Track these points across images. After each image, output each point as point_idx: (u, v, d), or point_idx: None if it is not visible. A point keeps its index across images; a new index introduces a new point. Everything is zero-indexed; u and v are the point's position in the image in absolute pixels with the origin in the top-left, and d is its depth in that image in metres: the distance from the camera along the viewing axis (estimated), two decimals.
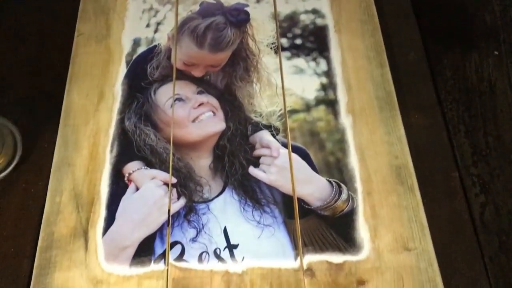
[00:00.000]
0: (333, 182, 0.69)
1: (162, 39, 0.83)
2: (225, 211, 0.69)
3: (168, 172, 0.71)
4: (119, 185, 0.70)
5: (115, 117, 0.76)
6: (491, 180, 0.99)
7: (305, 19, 0.85)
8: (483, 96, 1.15)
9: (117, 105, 0.77)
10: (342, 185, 0.69)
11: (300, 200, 0.68)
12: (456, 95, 1.14)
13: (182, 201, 0.69)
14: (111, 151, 0.73)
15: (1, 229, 0.76)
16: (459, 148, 0.82)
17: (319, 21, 0.85)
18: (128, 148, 0.73)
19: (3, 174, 0.80)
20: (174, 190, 0.70)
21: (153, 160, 0.72)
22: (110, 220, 0.68)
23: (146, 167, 0.71)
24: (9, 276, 0.71)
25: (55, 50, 1.00)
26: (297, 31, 0.84)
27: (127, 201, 0.69)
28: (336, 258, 0.64)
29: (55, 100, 1.00)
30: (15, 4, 1.20)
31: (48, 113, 0.94)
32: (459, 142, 0.90)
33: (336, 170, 0.70)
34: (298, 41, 0.83)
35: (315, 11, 0.86)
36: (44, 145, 0.88)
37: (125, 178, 0.71)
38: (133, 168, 0.71)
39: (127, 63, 0.81)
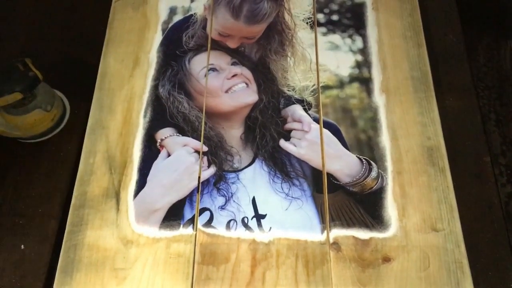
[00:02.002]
0: (363, 160, 0.69)
1: (198, 8, 0.83)
2: (254, 182, 0.69)
3: (200, 140, 0.71)
4: (151, 150, 0.71)
5: (149, 83, 0.77)
6: None
7: None
8: None
9: (151, 72, 0.77)
10: (372, 163, 0.69)
11: (329, 175, 0.69)
12: (489, 83, 1.13)
13: (212, 169, 0.70)
14: (145, 116, 0.74)
15: (30, 190, 0.78)
16: (488, 136, 0.81)
17: None
18: (161, 115, 0.74)
19: (58, 129, 0.85)
20: (205, 158, 0.71)
21: (185, 128, 0.72)
22: (141, 183, 0.69)
23: (178, 134, 0.72)
24: (37, 236, 0.74)
25: (91, 16, 1.01)
26: (334, 7, 0.83)
27: (159, 166, 0.70)
28: (363, 234, 0.65)
29: (87, 66, 1.01)
30: None
31: (79, 79, 0.95)
32: (489, 131, 0.89)
33: (367, 148, 0.70)
34: (335, 17, 0.82)
35: None
36: (75, 111, 0.89)
37: (157, 144, 0.72)
38: (165, 134, 0.72)
39: (163, 31, 0.81)
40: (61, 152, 0.85)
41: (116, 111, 0.74)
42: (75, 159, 0.86)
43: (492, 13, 1.21)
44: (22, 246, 0.73)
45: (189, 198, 0.68)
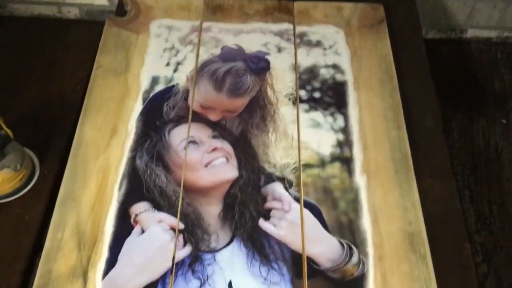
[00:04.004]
0: (345, 244, 0.67)
1: (181, 79, 0.82)
2: (231, 264, 0.66)
3: (176, 217, 0.69)
4: (124, 226, 0.68)
5: (126, 154, 0.74)
6: (493, 250, 0.98)
7: (325, 73, 0.85)
8: (489, 163, 1.15)
9: (129, 142, 0.75)
10: (354, 247, 0.67)
11: (309, 259, 0.66)
12: (463, 159, 1.15)
13: (188, 249, 0.67)
14: (120, 189, 0.71)
15: None
16: (463, 214, 0.81)
17: (338, 77, 0.85)
18: (137, 188, 0.71)
19: (25, 190, 0.82)
20: (181, 236, 0.68)
21: (161, 203, 0.70)
22: (111, 262, 0.65)
23: (153, 209, 0.69)
24: None
25: (70, 74, 1.00)
26: (316, 84, 0.84)
27: (131, 243, 0.66)
28: None
29: (61, 124, 0.98)
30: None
31: (52, 137, 0.92)
32: (463, 208, 0.89)
33: (348, 231, 0.69)
34: (317, 95, 0.82)
35: (335, 66, 0.86)
36: (44, 171, 0.86)
37: (131, 219, 0.69)
38: (140, 209, 0.69)
39: (144, 100, 0.80)
40: (26, 215, 0.81)
41: (89, 182, 0.71)
42: (40, 223, 0.82)
43: (466, 90, 1.25)
44: None
45: (162, 279, 0.64)
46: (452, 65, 1.27)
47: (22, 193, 0.82)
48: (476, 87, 1.25)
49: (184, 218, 0.69)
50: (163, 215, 0.69)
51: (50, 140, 0.96)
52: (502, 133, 1.18)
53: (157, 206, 0.70)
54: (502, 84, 1.28)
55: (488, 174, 1.11)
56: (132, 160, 0.74)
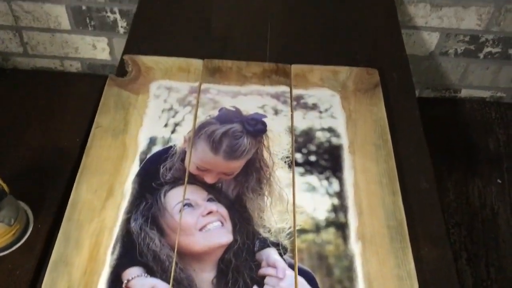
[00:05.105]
0: None
1: (178, 140, 0.83)
2: None
3: (169, 283, 0.68)
4: None
5: (121, 216, 0.74)
6: None
7: (321, 136, 0.86)
8: (485, 223, 1.15)
9: (125, 204, 0.75)
10: None
11: None
12: (459, 219, 1.15)
13: None
14: (113, 252, 0.71)
15: None
16: (459, 276, 0.80)
17: (334, 140, 0.86)
18: (130, 251, 0.70)
19: (18, 244, 0.82)
20: None
21: (154, 268, 0.69)
22: None
23: (146, 274, 0.69)
24: None
25: (69, 125, 1.01)
26: (312, 147, 0.85)
27: None
28: None
29: (57, 180, 0.99)
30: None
31: (47, 192, 0.92)
32: (460, 270, 0.88)
33: None
34: (313, 158, 0.83)
35: (331, 130, 0.87)
36: (38, 225, 0.86)
37: (123, 285, 0.68)
38: (132, 274, 0.68)
39: (141, 161, 0.81)
40: (17, 270, 0.80)
41: (83, 246, 0.71)
42: (31, 279, 0.81)
43: (460, 149, 1.27)
44: None
45: None
46: (447, 124, 1.29)
47: (14, 248, 0.82)
48: (471, 147, 1.27)
49: (177, 284, 0.68)
50: (155, 281, 0.68)
51: (45, 193, 0.96)
52: (498, 193, 1.18)
53: (150, 271, 0.69)
54: (497, 144, 1.29)
55: (485, 235, 1.11)
56: (126, 222, 0.74)
